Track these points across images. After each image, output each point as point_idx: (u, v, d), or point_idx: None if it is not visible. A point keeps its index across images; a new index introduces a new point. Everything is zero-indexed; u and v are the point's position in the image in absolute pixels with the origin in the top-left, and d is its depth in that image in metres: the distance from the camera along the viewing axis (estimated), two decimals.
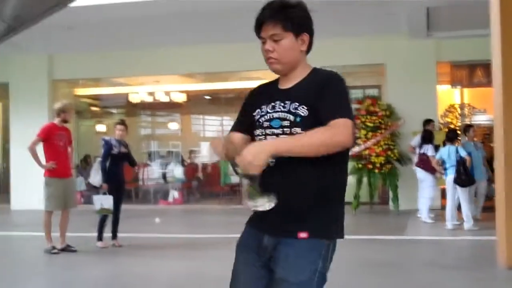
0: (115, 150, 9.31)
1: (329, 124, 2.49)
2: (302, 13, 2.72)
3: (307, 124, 2.55)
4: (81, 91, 18.54)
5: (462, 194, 10.30)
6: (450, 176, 10.38)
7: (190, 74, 16.88)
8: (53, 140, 8.92)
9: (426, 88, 13.52)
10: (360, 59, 14.06)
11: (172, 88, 18.41)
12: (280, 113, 2.66)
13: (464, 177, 10.19)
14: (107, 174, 9.25)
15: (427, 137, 11.39)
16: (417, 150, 11.59)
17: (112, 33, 13.23)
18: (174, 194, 16.00)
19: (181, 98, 18.87)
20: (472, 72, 14.00)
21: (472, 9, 10.30)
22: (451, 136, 10.74)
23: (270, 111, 2.70)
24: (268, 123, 2.68)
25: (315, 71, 2.77)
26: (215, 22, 12.27)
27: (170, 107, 20.12)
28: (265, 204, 2.53)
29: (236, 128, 2.88)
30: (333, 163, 2.64)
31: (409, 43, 13.22)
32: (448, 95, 15.35)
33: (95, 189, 10.06)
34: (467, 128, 11.58)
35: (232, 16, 11.77)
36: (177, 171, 17.27)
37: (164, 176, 17.32)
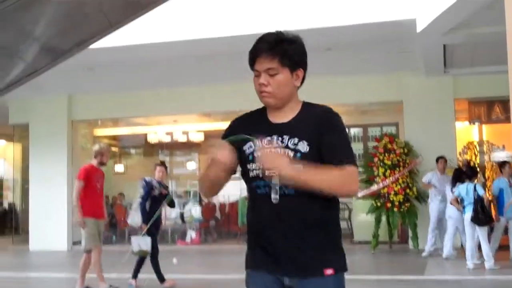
0: (155, 192, 9.27)
1: (340, 169, 2.54)
2: (300, 49, 2.70)
3: (307, 159, 2.55)
4: (100, 132, 18.67)
5: (481, 233, 10.17)
6: (468, 214, 10.27)
7: (208, 113, 16.95)
8: (91, 182, 8.93)
9: (444, 125, 13.46)
10: (378, 97, 14.05)
11: (190, 128, 18.50)
12: (278, 149, 2.61)
13: (482, 215, 10.07)
14: (147, 215, 9.08)
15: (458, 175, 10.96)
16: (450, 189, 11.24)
17: (131, 74, 13.37)
18: (191, 234, 15.94)
19: (198, 137, 18.94)
20: (490, 109, 13.94)
21: (488, 46, 10.32)
22: (470, 174, 10.65)
23: (266, 145, 2.63)
24: None
25: (307, 106, 2.76)
26: (232, 62, 12.34)
27: (188, 146, 20.18)
28: None
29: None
30: (334, 198, 2.69)
31: (426, 80, 13.22)
32: (466, 132, 15.27)
33: (133, 230, 9.96)
34: (503, 164, 11.47)
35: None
36: (194, 211, 17.22)
37: (181, 216, 17.26)
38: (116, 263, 9.40)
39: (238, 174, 2.85)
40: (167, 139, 18.71)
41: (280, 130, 2.68)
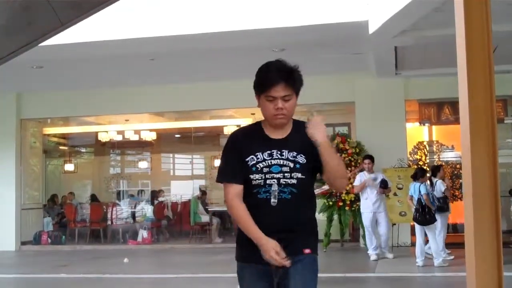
0: None
1: None
2: (301, 76, 3.22)
3: (305, 169, 3.17)
4: (49, 130, 18.38)
5: (428, 231, 10.34)
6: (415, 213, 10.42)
7: (160, 112, 16.87)
8: None
9: (395, 125, 13.64)
10: (330, 97, 14.17)
11: (142, 127, 18.37)
12: (278, 160, 3.15)
13: (421, 215, 10.19)
14: None
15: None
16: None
17: (81, 72, 13.18)
18: (143, 233, 15.81)
19: (151, 136, 18.82)
20: (439, 110, 14.16)
21: (439, 48, 10.49)
22: (418, 173, 10.77)
23: (267, 158, 3.16)
24: (267, 169, 3.14)
25: (296, 122, 3.30)
26: (185, 61, 12.31)
27: (140, 145, 20.06)
28: None
29: (233, 178, 3.21)
30: (314, 199, 3.39)
31: (378, 81, 13.37)
32: (417, 133, 15.51)
33: None
34: (438, 168, 11.63)
35: (202, 56, 11.84)
36: (146, 210, 17.10)
37: (133, 215, 17.12)
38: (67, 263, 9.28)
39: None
40: (118, 138, 18.51)
41: (279, 144, 3.20)
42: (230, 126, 17.37)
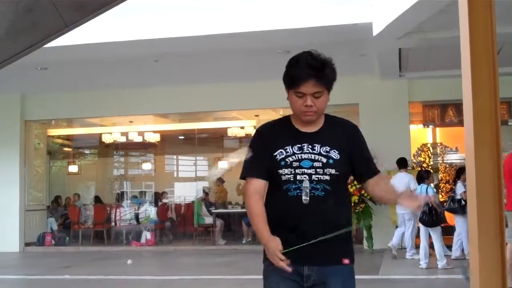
0: None
1: (377, 177, 3.11)
2: (334, 71, 3.00)
3: (338, 165, 2.93)
4: (53, 132, 18.41)
5: (432, 233, 10.33)
6: (419, 215, 10.41)
7: (164, 114, 16.88)
8: None
9: (399, 127, 13.63)
10: (334, 99, 13.77)
11: (146, 129, 18.38)
12: (309, 155, 2.93)
13: (428, 217, 10.19)
14: None
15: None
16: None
17: (86, 73, 13.19)
18: (146, 235, 15.82)
19: (154, 138, 18.83)
20: (443, 112, 14.15)
21: (443, 50, 10.47)
22: (423, 175, 10.78)
23: (297, 152, 2.94)
24: (297, 163, 2.92)
25: (330, 117, 3.13)
26: (189, 63, 12.32)
27: (144, 147, 20.07)
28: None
29: (257, 173, 3.02)
30: (349, 198, 3.27)
31: (382, 83, 13.37)
32: (421, 135, 15.49)
33: None
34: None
35: (206, 58, 11.85)
36: (150, 212, 17.11)
37: (136, 217, 17.13)
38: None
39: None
40: (122, 139, 18.53)
41: (310, 138, 2.99)
42: (233, 127, 17.37)
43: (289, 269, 2.79)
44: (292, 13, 9.85)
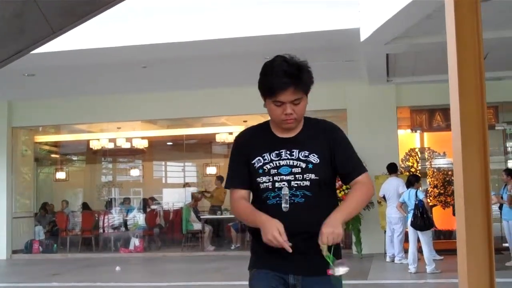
0: None
1: (358, 181, 2.91)
2: (311, 74, 2.96)
3: (318, 169, 2.83)
4: (41, 138, 18.33)
5: (421, 237, 10.36)
6: (410, 219, 10.46)
7: (152, 120, 16.87)
8: None
9: (387, 132, 13.68)
10: (321, 105, 14.11)
11: (134, 135, 18.33)
12: (288, 161, 2.85)
13: (420, 221, 10.24)
14: None
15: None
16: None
17: (73, 79, 13.16)
18: (135, 241, 15.76)
19: (143, 144, 18.77)
20: (431, 117, 14.22)
21: (430, 55, 10.54)
22: (412, 180, 10.84)
23: (275, 158, 2.86)
24: (275, 170, 2.84)
25: (309, 120, 3.04)
26: (177, 69, 12.31)
27: (132, 153, 19.99)
28: (344, 268, 2.74)
29: (239, 183, 2.95)
30: (335, 203, 2.96)
31: (370, 89, 13.42)
32: (409, 139, 15.54)
33: None
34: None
35: (194, 64, 11.85)
36: (138, 218, 17.06)
37: (125, 223, 17.06)
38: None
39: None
40: (110, 145, 18.46)
41: (288, 143, 2.90)
42: (222, 133, 17.36)
43: (290, 249, 2.65)
44: (279, 18, 9.87)
